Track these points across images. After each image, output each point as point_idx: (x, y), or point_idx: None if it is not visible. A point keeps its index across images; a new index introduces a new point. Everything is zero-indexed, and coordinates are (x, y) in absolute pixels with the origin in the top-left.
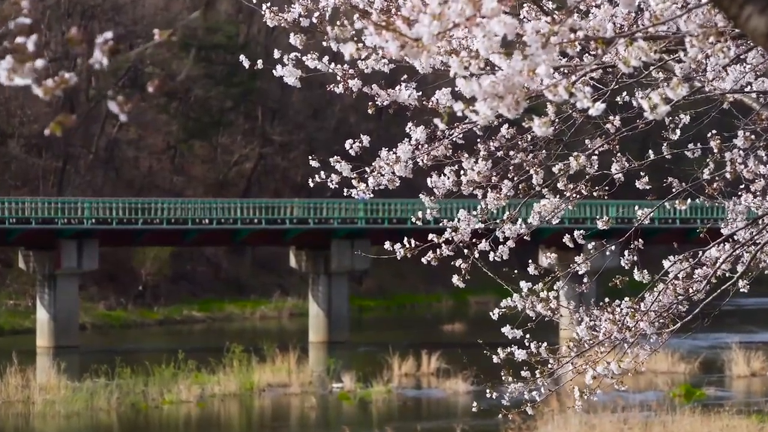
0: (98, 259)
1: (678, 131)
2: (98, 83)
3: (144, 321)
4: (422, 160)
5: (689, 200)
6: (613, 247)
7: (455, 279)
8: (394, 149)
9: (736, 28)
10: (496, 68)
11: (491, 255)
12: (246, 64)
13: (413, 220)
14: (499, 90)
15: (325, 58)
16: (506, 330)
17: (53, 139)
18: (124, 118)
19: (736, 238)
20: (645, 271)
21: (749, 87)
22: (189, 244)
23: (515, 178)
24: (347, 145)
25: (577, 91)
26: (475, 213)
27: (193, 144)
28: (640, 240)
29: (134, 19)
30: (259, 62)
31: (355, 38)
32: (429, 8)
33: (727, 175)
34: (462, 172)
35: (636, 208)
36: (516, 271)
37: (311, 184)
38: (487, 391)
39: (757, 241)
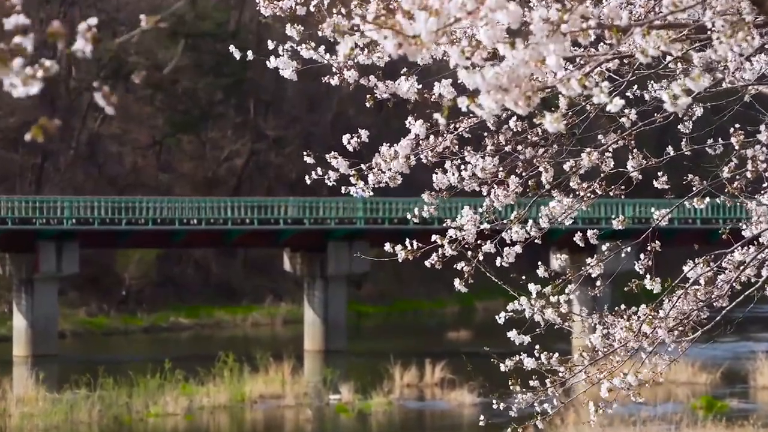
0: (79, 262)
1: (690, 123)
2: (79, 73)
3: (128, 328)
4: (426, 157)
5: (708, 199)
6: (629, 249)
7: (457, 283)
8: (394, 145)
9: (761, 15)
10: (502, 59)
11: (498, 260)
12: (237, 55)
13: (412, 219)
14: (503, 82)
15: (321, 48)
16: (512, 335)
17: None
18: (111, 110)
19: (761, 240)
20: (658, 279)
21: None
22: (176, 246)
23: (524, 174)
24: (345, 140)
25: (594, 85)
26: (481, 210)
27: (180, 139)
28: (657, 242)
29: (117, 5)
30: (249, 53)
31: (354, 28)
32: (428, 1)
33: (748, 174)
34: (463, 168)
35: (653, 209)
36: (524, 278)
37: (308, 182)
38: (494, 402)
39: None
